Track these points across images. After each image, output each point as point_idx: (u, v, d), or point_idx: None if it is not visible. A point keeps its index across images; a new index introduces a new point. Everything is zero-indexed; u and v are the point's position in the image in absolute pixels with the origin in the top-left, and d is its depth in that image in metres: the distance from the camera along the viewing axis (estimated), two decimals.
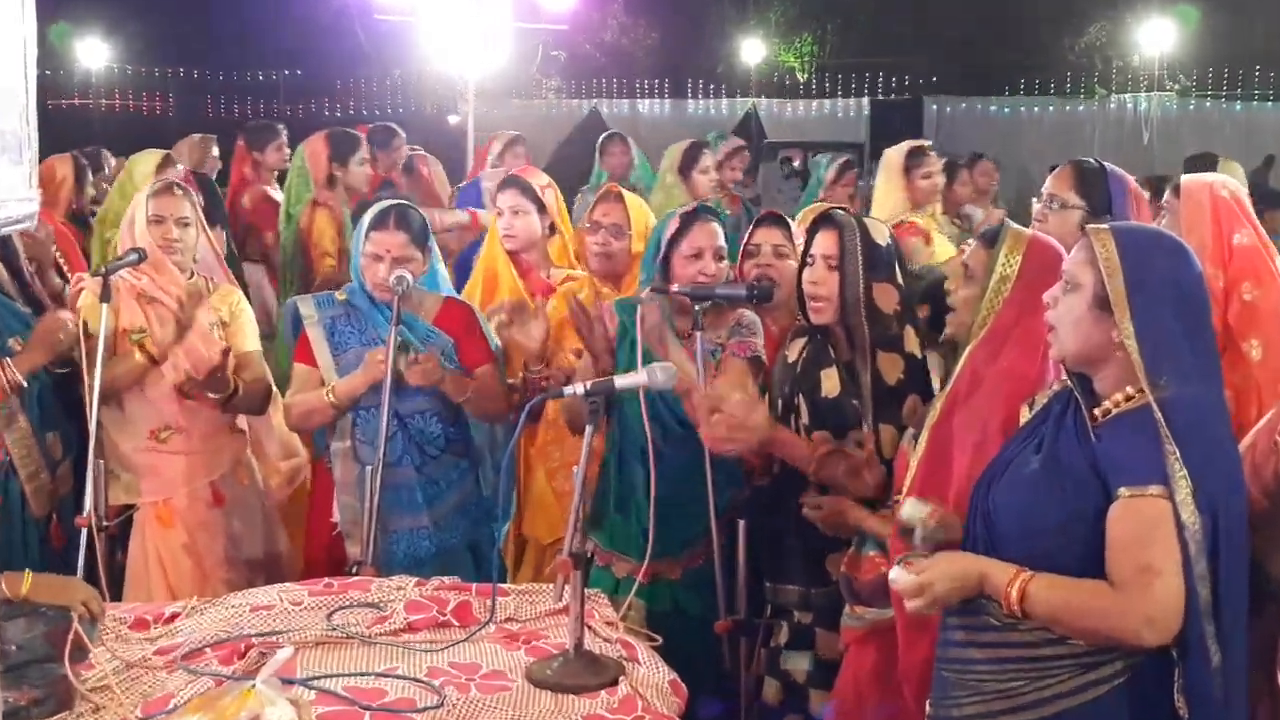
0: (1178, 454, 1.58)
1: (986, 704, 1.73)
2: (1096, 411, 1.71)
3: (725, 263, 2.68)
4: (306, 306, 2.86)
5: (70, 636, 1.83)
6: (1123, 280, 1.65)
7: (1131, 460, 1.61)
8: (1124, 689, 1.65)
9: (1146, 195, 2.74)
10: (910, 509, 1.86)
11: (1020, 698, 1.70)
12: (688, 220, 2.68)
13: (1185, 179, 2.63)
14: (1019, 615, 1.66)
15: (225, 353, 2.76)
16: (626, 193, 3.08)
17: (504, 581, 2.78)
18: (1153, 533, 1.58)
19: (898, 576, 1.76)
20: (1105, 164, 2.58)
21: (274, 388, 3.07)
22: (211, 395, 2.83)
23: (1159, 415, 1.59)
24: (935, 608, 1.76)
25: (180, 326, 2.82)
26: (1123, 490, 1.61)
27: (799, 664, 2.42)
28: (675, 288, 2.60)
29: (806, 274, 2.38)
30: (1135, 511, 1.59)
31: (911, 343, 2.34)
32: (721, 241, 2.67)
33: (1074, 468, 1.67)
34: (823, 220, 2.43)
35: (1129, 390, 1.66)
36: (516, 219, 3.30)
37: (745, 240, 2.86)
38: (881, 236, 2.36)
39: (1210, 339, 1.70)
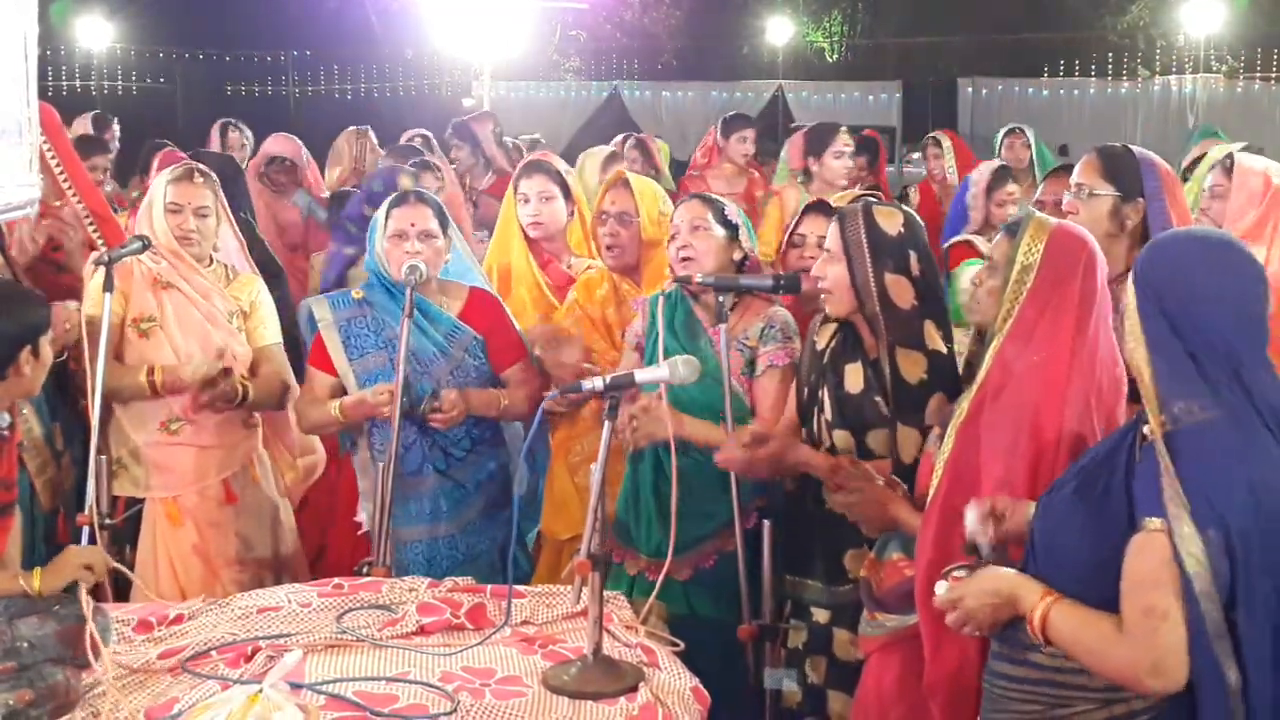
0: (1178, 487, 1.51)
1: None
2: (1145, 431, 1.62)
3: (716, 230, 2.59)
4: (321, 308, 2.77)
5: (86, 637, 1.82)
6: (1136, 305, 1.60)
7: (1152, 491, 1.55)
8: None
9: None
10: (974, 519, 1.78)
11: None
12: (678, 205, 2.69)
13: (1241, 160, 2.52)
14: (1041, 640, 1.63)
15: (226, 371, 2.69)
16: (634, 176, 2.98)
17: (529, 582, 2.71)
18: (1160, 572, 1.52)
19: (939, 590, 1.74)
20: (1131, 146, 2.50)
21: (294, 384, 2.99)
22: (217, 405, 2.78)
23: (1160, 447, 1.54)
24: (970, 626, 1.72)
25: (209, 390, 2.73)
26: (1144, 521, 1.55)
27: (816, 668, 2.37)
28: (699, 277, 2.51)
29: (814, 267, 2.33)
30: (1144, 548, 1.54)
31: (934, 338, 2.25)
32: (697, 213, 2.60)
33: (1111, 492, 1.61)
34: (828, 211, 2.39)
35: (1161, 417, 1.59)
36: (545, 205, 3.19)
37: (791, 229, 2.77)
38: (892, 226, 2.26)
39: (1242, 357, 1.57)
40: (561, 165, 3.33)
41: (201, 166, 3.01)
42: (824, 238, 2.63)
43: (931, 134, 6.11)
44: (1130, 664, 1.54)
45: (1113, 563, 1.57)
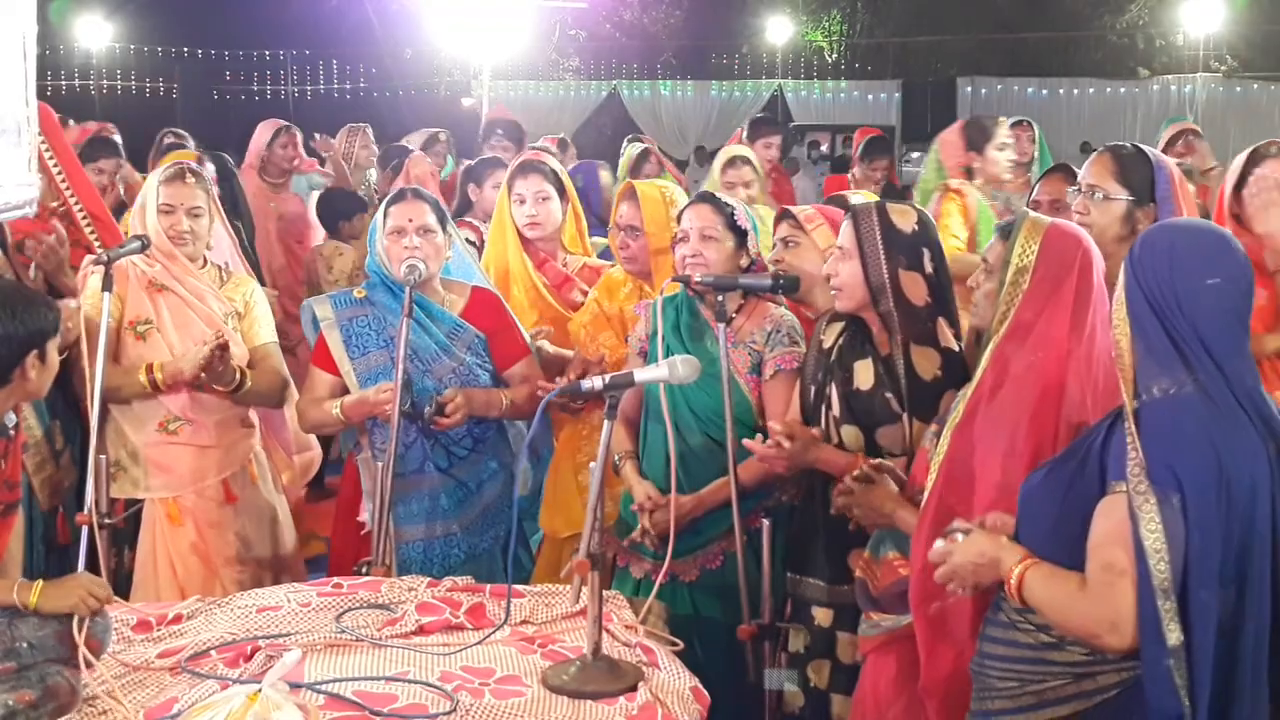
0: (1138, 450, 1.56)
1: (989, 701, 1.75)
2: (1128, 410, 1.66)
3: (725, 239, 2.59)
4: (323, 308, 2.76)
5: (81, 638, 1.82)
6: (1125, 286, 1.64)
7: (1117, 461, 1.60)
8: (1113, 703, 1.65)
9: None
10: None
11: (1016, 699, 1.71)
12: (687, 207, 2.69)
13: None
14: (1019, 602, 1.67)
15: (223, 347, 2.67)
16: (642, 185, 2.98)
17: (530, 580, 2.71)
18: (1120, 530, 1.57)
19: (937, 545, 1.77)
20: (1143, 147, 2.47)
21: (290, 383, 2.98)
22: (217, 388, 2.77)
23: (1129, 417, 1.59)
24: (955, 583, 1.76)
25: (205, 372, 2.71)
26: (1112, 485, 1.60)
27: (819, 672, 2.36)
28: (698, 278, 2.51)
29: (826, 264, 2.34)
30: (1109, 509, 1.59)
31: (945, 335, 2.26)
32: (709, 221, 2.59)
33: (1087, 462, 1.66)
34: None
35: (1140, 393, 1.63)
36: (541, 205, 3.18)
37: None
38: (907, 223, 2.27)
39: (1218, 339, 1.60)
40: (556, 165, 3.32)
41: (194, 166, 2.99)
42: (785, 237, 2.63)
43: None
44: (1091, 620, 1.59)
45: (1084, 530, 1.62)
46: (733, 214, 2.62)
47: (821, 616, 2.36)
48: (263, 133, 5.14)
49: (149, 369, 2.75)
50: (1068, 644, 1.67)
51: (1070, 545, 1.64)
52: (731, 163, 4.17)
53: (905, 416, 2.25)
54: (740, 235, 2.61)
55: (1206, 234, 1.70)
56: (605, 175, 4.12)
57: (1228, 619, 1.55)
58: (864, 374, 2.29)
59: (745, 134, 5.23)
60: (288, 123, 5.17)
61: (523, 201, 3.19)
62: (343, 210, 4.79)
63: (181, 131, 5.82)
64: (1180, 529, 1.52)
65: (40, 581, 1.85)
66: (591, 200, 4.01)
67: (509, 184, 3.24)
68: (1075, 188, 2.49)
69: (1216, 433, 1.56)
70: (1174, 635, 1.53)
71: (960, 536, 1.76)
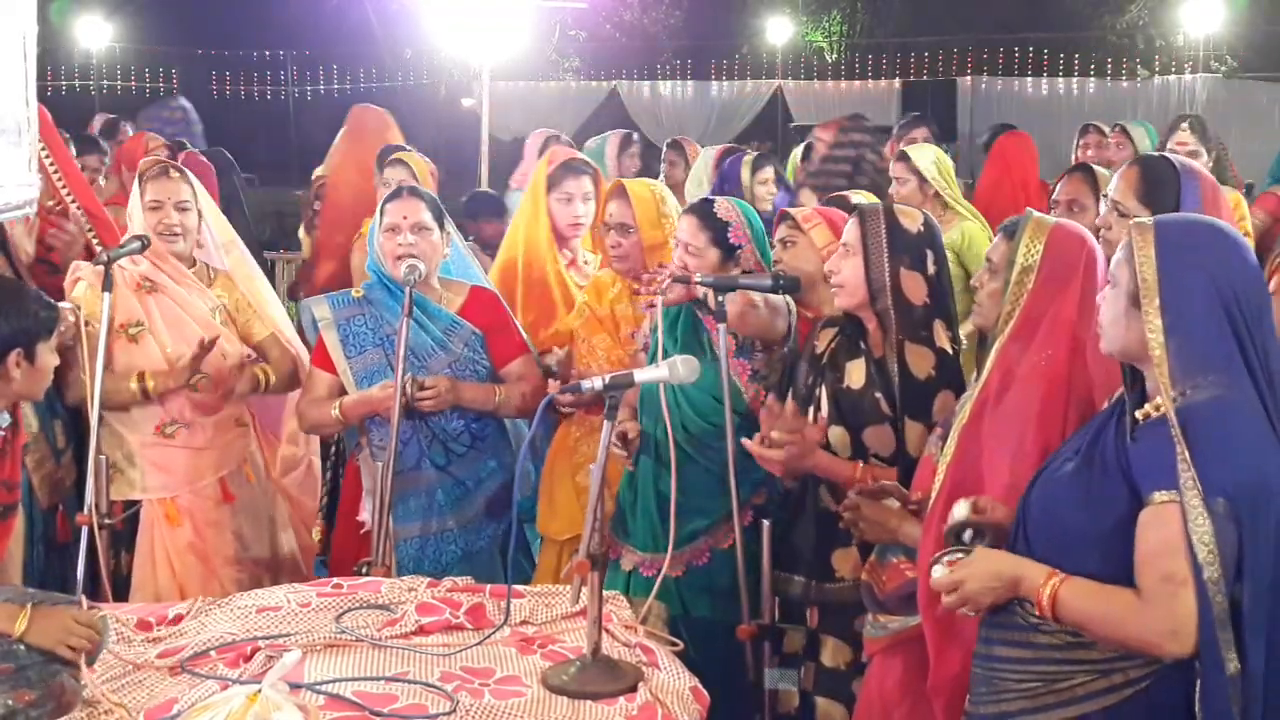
0: (1188, 459, 1.53)
1: (1006, 703, 1.72)
2: (1138, 414, 1.65)
3: (709, 254, 2.59)
4: (321, 309, 2.78)
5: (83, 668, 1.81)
6: (1155, 279, 1.60)
7: (1159, 466, 1.57)
8: (1142, 696, 1.63)
9: None
10: (961, 511, 1.79)
11: (1038, 699, 1.69)
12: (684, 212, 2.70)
13: None
14: (1050, 619, 1.64)
15: (210, 344, 2.68)
16: (632, 182, 2.98)
17: (528, 582, 2.71)
18: (1175, 541, 1.54)
19: (937, 574, 1.74)
20: (1177, 161, 2.38)
21: (303, 359, 2.95)
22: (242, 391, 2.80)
23: (1173, 421, 1.55)
24: (968, 607, 1.73)
25: (193, 371, 2.72)
26: (1152, 496, 1.57)
27: (807, 673, 2.37)
28: (698, 277, 2.51)
29: (829, 261, 2.36)
30: (1161, 519, 1.56)
31: (941, 337, 2.27)
32: (693, 237, 2.59)
33: (1108, 470, 1.64)
34: (848, 208, 2.41)
35: (1173, 393, 1.60)
36: (586, 206, 3.21)
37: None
38: (913, 224, 2.29)
39: (1259, 338, 1.60)
40: (595, 165, 3.36)
41: (176, 163, 2.99)
42: (784, 238, 2.64)
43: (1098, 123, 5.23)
44: (1151, 630, 1.56)
45: (1113, 539, 1.60)
46: (726, 229, 2.61)
47: (810, 618, 2.37)
48: (534, 143, 4.85)
49: (140, 376, 2.74)
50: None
51: (1100, 556, 1.61)
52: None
53: (895, 417, 2.25)
54: (729, 250, 2.61)
55: (1230, 228, 1.69)
56: (745, 172, 4.02)
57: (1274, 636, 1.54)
58: (856, 373, 2.31)
59: (895, 133, 5.00)
60: (555, 132, 4.88)
61: (570, 200, 3.20)
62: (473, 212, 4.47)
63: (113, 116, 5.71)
64: (1234, 546, 1.51)
65: (29, 609, 1.79)
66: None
67: (556, 181, 3.24)
68: (1105, 193, 2.48)
69: (1264, 440, 1.54)
70: (1232, 664, 1.53)
71: (959, 555, 1.73)
